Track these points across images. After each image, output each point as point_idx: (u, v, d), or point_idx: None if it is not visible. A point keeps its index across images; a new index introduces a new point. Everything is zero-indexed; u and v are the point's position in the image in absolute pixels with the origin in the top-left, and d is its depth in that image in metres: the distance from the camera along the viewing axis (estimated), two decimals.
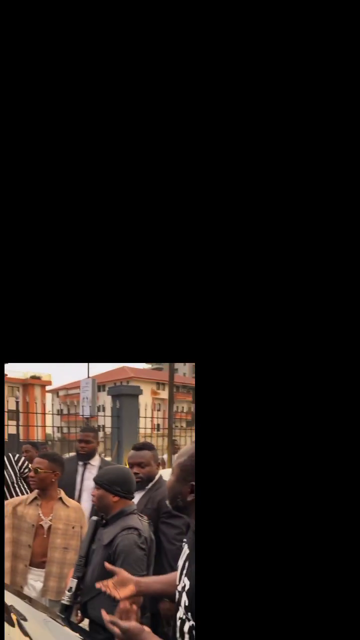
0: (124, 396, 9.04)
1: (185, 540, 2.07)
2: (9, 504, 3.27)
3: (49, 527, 3.14)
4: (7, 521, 3.12)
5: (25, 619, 1.92)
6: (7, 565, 3.05)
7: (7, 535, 3.09)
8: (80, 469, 4.51)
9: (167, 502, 2.06)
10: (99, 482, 2.61)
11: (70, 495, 4.05)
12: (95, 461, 4.57)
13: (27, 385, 46.70)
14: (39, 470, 3.25)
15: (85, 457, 4.54)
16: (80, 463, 4.55)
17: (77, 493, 4.40)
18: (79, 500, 4.18)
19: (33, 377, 48.46)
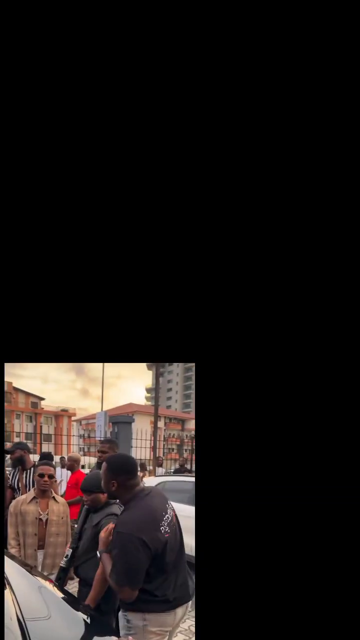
0: (121, 423, 8.94)
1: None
2: (12, 505, 3.19)
3: (47, 520, 3.14)
4: (11, 519, 3.07)
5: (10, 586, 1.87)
6: (15, 552, 3.02)
7: (11, 530, 3.06)
8: None
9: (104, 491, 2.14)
10: (89, 489, 2.66)
11: None
12: None
13: (58, 415, 47.11)
14: (53, 475, 3.25)
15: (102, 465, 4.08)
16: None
17: None
18: None
19: (62, 410, 48.97)
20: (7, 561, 2.18)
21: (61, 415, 47.97)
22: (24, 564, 2.38)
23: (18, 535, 3.04)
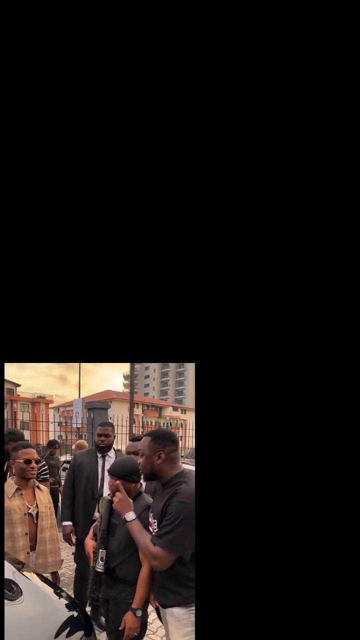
0: (97, 409, 8.78)
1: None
2: None
3: (37, 513, 2.61)
4: None
5: None
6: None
7: None
8: (100, 461, 3.69)
9: (141, 476, 2.03)
10: (128, 478, 2.30)
11: (93, 485, 3.61)
12: (112, 453, 3.76)
13: (35, 402, 46.77)
14: (40, 460, 2.81)
15: (105, 449, 3.71)
16: (99, 455, 3.71)
17: (99, 482, 3.64)
18: (101, 490, 3.59)
19: (39, 397, 48.56)
20: None
21: (38, 402, 47.64)
22: (17, 562, 2.22)
23: None
